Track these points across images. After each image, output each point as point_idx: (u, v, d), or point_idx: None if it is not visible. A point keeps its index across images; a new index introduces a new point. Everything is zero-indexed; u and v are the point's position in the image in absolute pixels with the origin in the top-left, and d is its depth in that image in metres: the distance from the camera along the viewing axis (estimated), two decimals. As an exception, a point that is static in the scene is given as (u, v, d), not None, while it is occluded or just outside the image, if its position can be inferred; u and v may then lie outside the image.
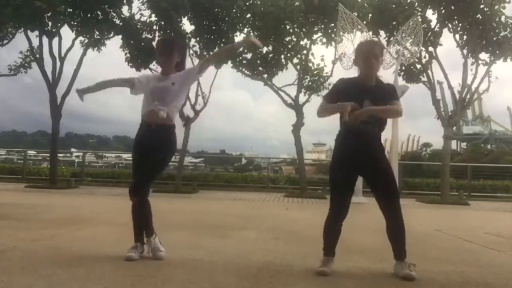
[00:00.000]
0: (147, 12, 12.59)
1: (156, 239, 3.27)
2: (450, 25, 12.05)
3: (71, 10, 11.60)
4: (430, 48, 12.33)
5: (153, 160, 3.20)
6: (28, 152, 19.39)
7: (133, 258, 3.11)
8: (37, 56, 12.65)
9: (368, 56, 2.89)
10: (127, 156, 35.45)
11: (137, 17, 12.76)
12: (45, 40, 12.28)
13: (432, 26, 12.25)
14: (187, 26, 12.96)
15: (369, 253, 3.21)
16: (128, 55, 12.97)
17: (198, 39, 12.87)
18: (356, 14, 11.24)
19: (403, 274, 2.75)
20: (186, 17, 12.62)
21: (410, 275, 2.73)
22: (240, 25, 12.64)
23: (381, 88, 2.96)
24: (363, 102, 2.82)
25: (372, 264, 3.08)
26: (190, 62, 13.30)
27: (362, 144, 2.87)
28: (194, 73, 3.39)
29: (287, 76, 13.60)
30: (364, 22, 11.48)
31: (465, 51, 12.07)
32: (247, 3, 12.37)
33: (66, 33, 12.43)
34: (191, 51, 13.20)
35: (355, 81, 2.97)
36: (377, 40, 3.14)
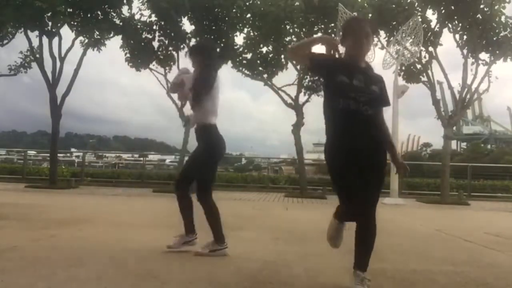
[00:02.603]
0: (147, 12, 12.61)
1: (212, 246, 3.37)
2: (450, 25, 12.05)
3: (71, 10, 11.60)
4: (430, 48, 12.34)
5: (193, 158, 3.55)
6: (28, 152, 19.40)
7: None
8: (37, 56, 12.64)
9: (359, 34, 2.51)
10: (127, 156, 35.55)
11: (137, 17, 12.78)
12: (45, 40, 12.29)
13: (432, 26, 12.25)
14: (187, 26, 12.98)
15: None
16: (128, 55, 12.98)
17: (198, 39, 12.87)
18: (356, 14, 11.24)
19: None
20: (186, 17, 12.63)
21: None
22: (240, 25, 12.64)
23: (372, 72, 2.63)
24: (353, 79, 2.48)
25: (371, 264, 3.07)
26: (190, 62, 13.32)
27: (357, 130, 2.48)
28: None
29: (287, 76, 13.61)
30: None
31: (465, 51, 12.08)
32: (247, 3, 12.37)
33: (66, 33, 12.45)
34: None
35: (344, 60, 2.60)
36: (368, 19, 2.72)
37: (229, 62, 13.13)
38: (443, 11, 11.78)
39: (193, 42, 13.07)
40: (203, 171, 3.46)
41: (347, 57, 2.57)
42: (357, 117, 2.46)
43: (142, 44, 12.82)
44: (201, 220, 3.49)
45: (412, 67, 12.75)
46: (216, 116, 3.54)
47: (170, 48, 13.04)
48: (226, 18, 12.39)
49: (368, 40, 2.55)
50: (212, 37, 12.75)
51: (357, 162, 2.45)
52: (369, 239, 2.50)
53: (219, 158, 3.62)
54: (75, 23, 12.03)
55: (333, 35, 12.17)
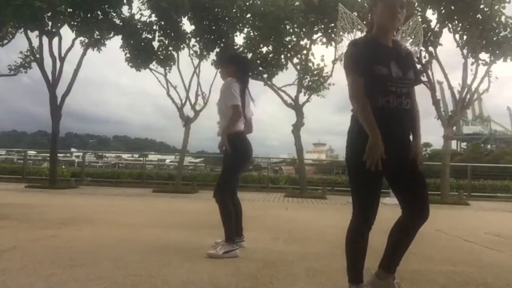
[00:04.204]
0: (147, 12, 12.60)
1: (225, 247, 3.39)
2: (450, 25, 12.04)
3: (71, 10, 11.60)
4: (430, 48, 12.32)
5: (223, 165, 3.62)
6: (28, 152, 19.40)
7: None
8: (37, 56, 12.64)
9: (394, 4, 2.17)
10: (127, 156, 35.57)
11: (137, 17, 12.77)
12: (45, 40, 12.29)
13: (432, 26, 12.24)
14: (187, 26, 12.98)
15: (368, 253, 3.20)
16: (128, 55, 12.98)
17: (198, 39, 12.88)
18: (356, 14, 11.24)
19: None
20: (186, 17, 12.62)
21: None
22: (240, 25, 12.63)
23: (402, 50, 2.33)
24: (391, 67, 2.17)
25: (371, 265, 3.07)
26: (190, 62, 13.35)
27: (397, 131, 2.21)
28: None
29: (287, 76, 13.59)
30: (364, 22, 11.47)
31: (465, 51, 12.07)
32: (247, 3, 12.37)
33: (66, 33, 12.46)
34: (191, 51, 13.24)
35: (373, 40, 2.23)
36: None
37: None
38: (443, 11, 11.76)
39: (193, 42, 13.10)
40: (230, 173, 3.59)
41: (375, 32, 2.24)
42: (398, 115, 2.18)
43: (142, 44, 12.82)
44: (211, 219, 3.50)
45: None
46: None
47: (170, 48, 13.04)
48: (226, 18, 12.38)
49: (403, 11, 2.20)
50: (212, 37, 12.75)
51: (394, 164, 2.20)
52: (411, 240, 2.32)
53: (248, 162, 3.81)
54: (75, 23, 12.03)
55: (332, 35, 12.17)
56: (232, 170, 3.58)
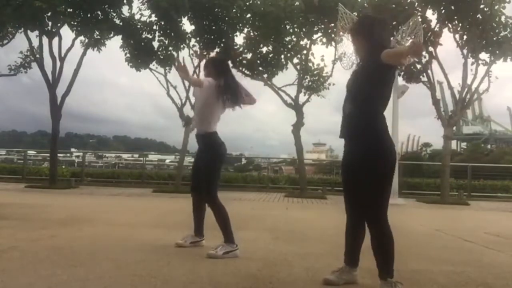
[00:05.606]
0: (147, 12, 12.59)
1: (225, 248, 3.39)
2: (450, 25, 12.04)
3: (71, 10, 11.59)
4: (430, 48, 12.33)
5: (201, 167, 3.60)
6: (28, 152, 19.38)
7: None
8: (37, 56, 12.64)
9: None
10: (127, 156, 35.52)
11: (137, 17, 12.76)
12: (45, 40, 12.28)
13: (432, 26, 12.24)
14: (187, 26, 12.97)
15: (368, 253, 3.21)
16: (128, 55, 12.98)
17: (198, 39, 12.88)
18: (356, 14, 11.23)
19: None
20: (186, 17, 12.62)
21: None
22: (240, 25, 12.63)
23: (363, 63, 2.63)
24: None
25: (371, 264, 3.08)
26: (190, 62, 13.35)
27: (344, 132, 2.63)
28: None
29: (287, 76, 13.60)
30: (364, 23, 11.45)
31: (465, 51, 12.07)
32: (247, 3, 12.36)
33: (66, 33, 12.44)
34: (191, 51, 13.24)
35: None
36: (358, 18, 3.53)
37: (229, 62, 13.11)
38: (443, 11, 11.76)
39: (193, 42, 13.09)
40: (212, 175, 3.58)
41: None
42: (343, 117, 2.62)
43: (142, 44, 12.82)
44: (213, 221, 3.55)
45: (412, 67, 12.74)
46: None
47: (170, 48, 13.04)
48: (226, 18, 12.38)
49: (352, 39, 2.72)
50: (212, 37, 12.75)
51: (345, 165, 2.67)
52: (375, 246, 2.57)
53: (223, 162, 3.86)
54: (75, 23, 12.01)
55: (332, 35, 12.16)
56: (214, 170, 3.61)
